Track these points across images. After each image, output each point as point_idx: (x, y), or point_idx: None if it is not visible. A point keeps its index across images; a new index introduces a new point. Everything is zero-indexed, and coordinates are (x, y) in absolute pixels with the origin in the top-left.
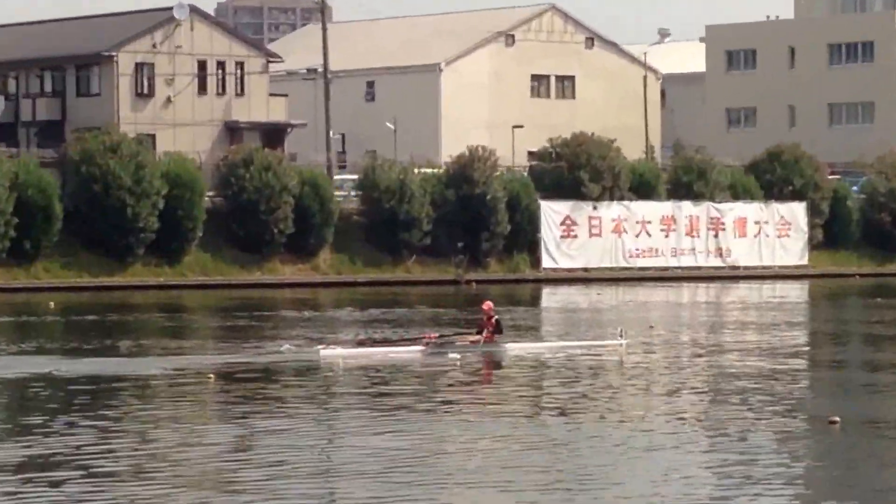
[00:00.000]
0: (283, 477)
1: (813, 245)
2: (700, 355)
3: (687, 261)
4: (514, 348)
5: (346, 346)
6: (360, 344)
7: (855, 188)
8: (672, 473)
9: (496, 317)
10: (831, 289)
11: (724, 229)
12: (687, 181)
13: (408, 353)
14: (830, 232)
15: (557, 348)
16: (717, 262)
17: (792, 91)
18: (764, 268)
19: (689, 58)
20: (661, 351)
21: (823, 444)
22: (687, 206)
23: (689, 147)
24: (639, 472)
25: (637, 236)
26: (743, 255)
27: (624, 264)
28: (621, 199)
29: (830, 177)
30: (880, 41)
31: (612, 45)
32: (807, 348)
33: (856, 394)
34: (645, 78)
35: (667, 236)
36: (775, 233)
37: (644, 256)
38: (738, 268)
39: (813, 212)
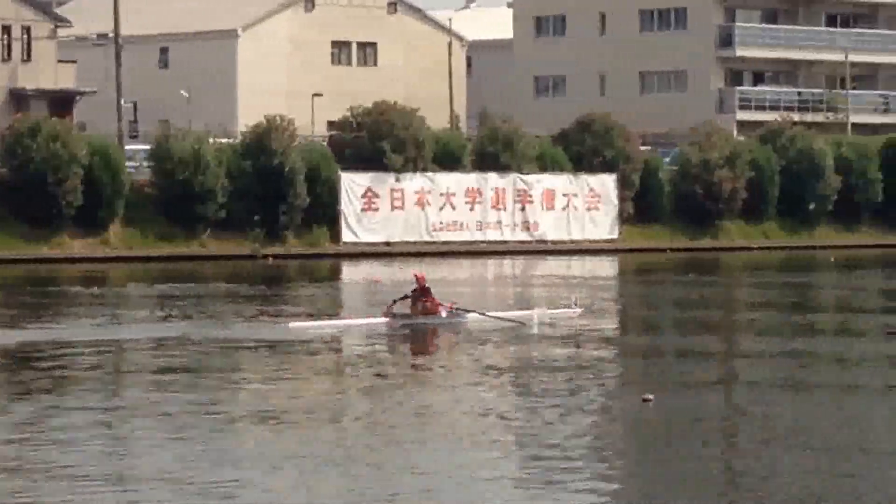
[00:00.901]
0: None
1: (623, 218)
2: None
3: (493, 234)
4: (475, 318)
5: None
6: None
7: (667, 160)
8: (480, 463)
9: (428, 286)
10: (642, 264)
11: (531, 202)
12: (493, 152)
13: (371, 324)
14: (642, 205)
15: (508, 318)
16: (524, 236)
17: (602, 59)
18: (573, 242)
19: (496, 24)
20: (466, 331)
21: (638, 420)
22: (493, 178)
23: (495, 116)
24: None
25: (441, 209)
26: (551, 228)
27: (427, 238)
28: (425, 170)
29: (642, 148)
30: (693, 8)
31: (416, 11)
32: (616, 327)
33: (669, 370)
34: (450, 45)
35: (472, 209)
36: (584, 206)
37: (448, 230)
38: (545, 242)
39: (623, 184)
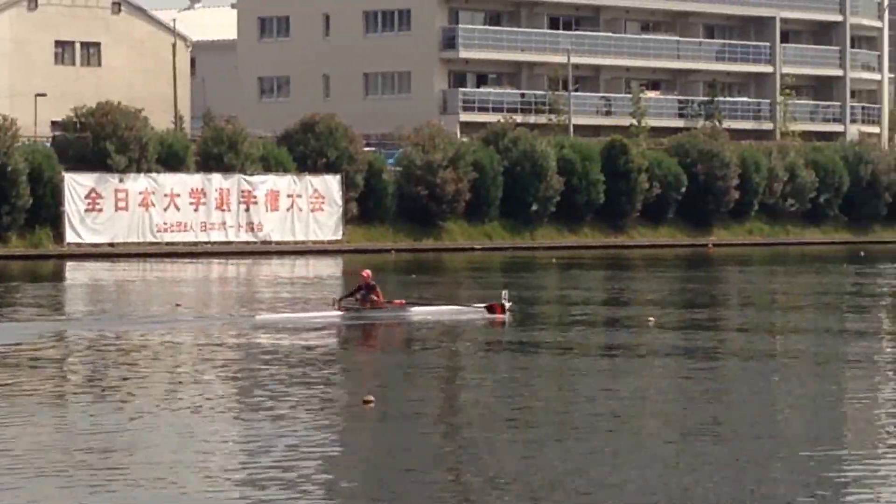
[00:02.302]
0: None
1: (348, 219)
2: (234, 334)
3: (217, 235)
4: (421, 311)
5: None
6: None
7: (391, 161)
8: (207, 457)
9: (374, 283)
10: (367, 264)
11: (255, 203)
12: (217, 153)
13: (325, 318)
14: (366, 206)
15: (444, 312)
16: (249, 237)
17: (327, 60)
18: (297, 243)
19: (220, 25)
20: (187, 331)
21: (358, 423)
22: (217, 179)
23: (219, 117)
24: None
25: (165, 210)
26: (275, 229)
27: (152, 239)
28: (149, 171)
29: (366, 149)
30: (417, 10)
31: (140, 11)
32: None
33: (389, 373)
34: (174, 45)
35: (196, 210)
36: (309, 207)
37: (172, 231)
38: (270, 243)
39: (348, 185)
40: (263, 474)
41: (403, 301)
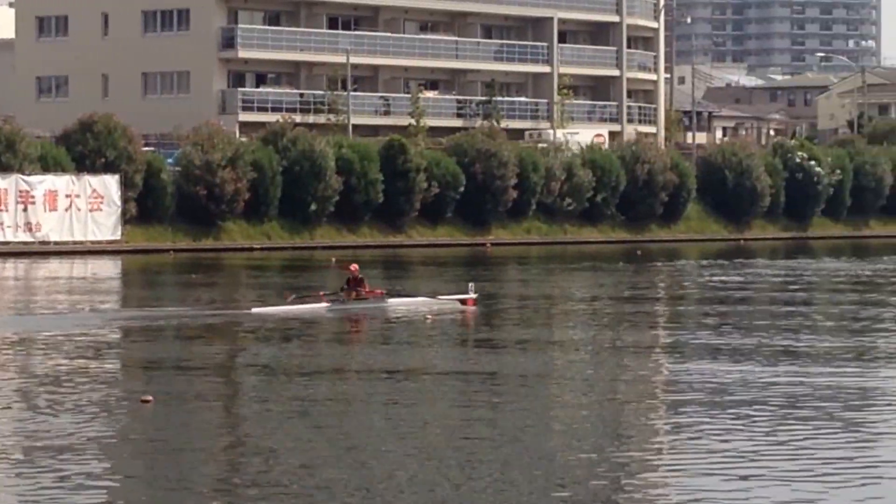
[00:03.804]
0: None
1: (127, 219)
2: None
3: None
4: (399, 302)
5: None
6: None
7: (170, 161)
8: None
9: (361, 276)
10: (146, 265)
11: (33, 203)
12: None
13: (314, 309)
14: (145, 206)
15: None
16: (27, 238)
17: (105, 59)
18: (76, 243)
19: None
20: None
21: (137, 421)
22: None
23: None
24: None
25: None
26: (54, 229)
27: None
28: None
29: (145, 148)
30: (196, 9)
31: None
32: (117, 328)
33: (168, 371)
34: None
35: None
36: (87, 207)
37: None
38: (48, 243)
39: (126, 185)
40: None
41: (382, 291)
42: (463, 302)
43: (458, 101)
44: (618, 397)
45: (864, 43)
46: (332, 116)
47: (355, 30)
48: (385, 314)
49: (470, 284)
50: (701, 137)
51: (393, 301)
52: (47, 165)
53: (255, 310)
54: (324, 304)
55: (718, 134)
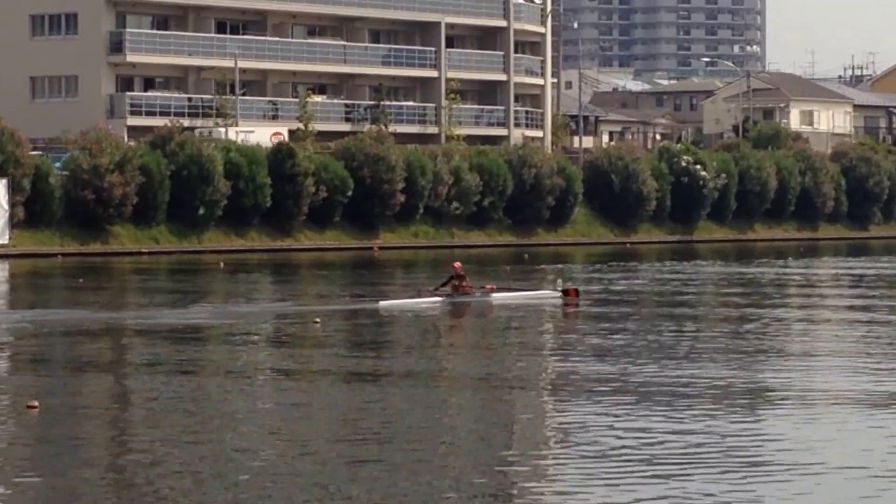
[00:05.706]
0: None
1: (14, 223)
2: None
3: None
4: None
5: (402, 297)
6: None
7: (58, 165)
8: None
9: (463, 273)
10: (33, 269)
11: None
12: None
13: (433, 303)
14: (32, 210)
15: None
16: None
17: None
18: None
19: None
20: None
21: (23, 428)
22: None
23: None
24: None
25: None
26: None
27: None
28: None
29: (32, 152)
30: (84, 13)
31: None
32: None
33: (57, 376)
34: None
35: None
36: None
37: None
38: None
39: (14, 189)
40: None
41: (493, 286)
42: (566, 293)
43: (347, 106)
44: (506, 397)
45: (749, 48)
46: (220, 121)
47: (243, 34)
48: (490, 307)
49: (558, 280)
50: (588, 142)
51: (497, 295)
52: None
53: (381, 303)
54: (438, 299)
55: (605, 138)
